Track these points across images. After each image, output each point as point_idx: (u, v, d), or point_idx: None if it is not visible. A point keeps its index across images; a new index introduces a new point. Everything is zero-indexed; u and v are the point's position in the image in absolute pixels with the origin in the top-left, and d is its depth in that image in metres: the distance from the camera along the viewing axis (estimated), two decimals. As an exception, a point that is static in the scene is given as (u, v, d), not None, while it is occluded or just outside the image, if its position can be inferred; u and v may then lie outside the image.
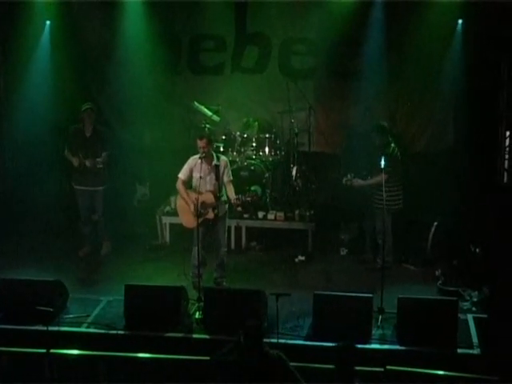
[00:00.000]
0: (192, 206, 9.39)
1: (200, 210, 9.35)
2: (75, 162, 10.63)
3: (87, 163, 10.55)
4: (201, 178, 9.34)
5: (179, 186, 9.61)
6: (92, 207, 10.96)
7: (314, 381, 7.73)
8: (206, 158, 9.44)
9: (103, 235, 11.10)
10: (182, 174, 9.61)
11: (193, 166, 9.56)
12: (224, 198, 9.60)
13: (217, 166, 9.53)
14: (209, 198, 9.45)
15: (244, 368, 7.06)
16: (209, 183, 9.51)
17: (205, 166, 9.43)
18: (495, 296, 9.17)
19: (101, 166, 10.62)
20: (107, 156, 10.71)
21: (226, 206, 9.69)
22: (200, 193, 9.37)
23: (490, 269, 9.67)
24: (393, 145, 10.31)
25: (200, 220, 9.37)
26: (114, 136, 11.80)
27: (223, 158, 9.78)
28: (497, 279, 9.36)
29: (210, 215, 9.49)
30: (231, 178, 9.69)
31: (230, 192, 9.60)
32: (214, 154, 9.64)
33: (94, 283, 10.10)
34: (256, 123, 11.84)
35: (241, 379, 7.03)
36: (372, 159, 10.05)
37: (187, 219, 9.63)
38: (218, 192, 9.52)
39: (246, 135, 11.62)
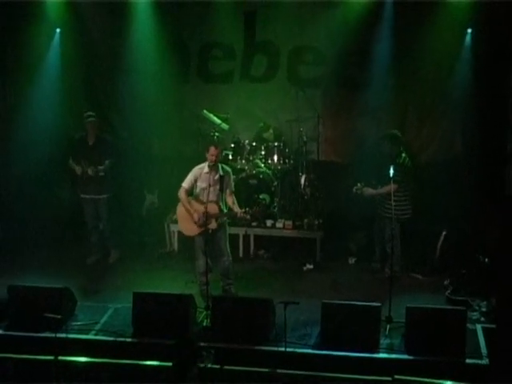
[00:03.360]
0: (196, 216, 9.41)
1: (203, 220, 9.36)
2: (78, 170, 10.68)
3: (89, 171, 10.58)
4: (209, 186, 9.35)
5: (182, 194, 9.57)
6: (97, 215, 10.98)
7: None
8: (213, 167, 9.46)
9: (110, 243, 11.12)
10: (186, 183, 9.58)
11: (198, 176, 9.54)
12: (224, 208, 9.60)
13: (222, 177, 9.51)
14: (213, 208, 9.42)
15: None
16: (212, 193, 9.48)
17: (212, 175, 9.45)
18: (502, 306, 9.14)
19: (102, 173, 10.63)
20: (110, 164, 10.70)
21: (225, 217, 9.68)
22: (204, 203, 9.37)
23: (498, 279, 9.65)
24: (404, 154, 10.29)
25: (202, 229, 9.39)
26: (121, 144, 11.87)
27: (227, 168, 9.77)
28: (504, 289, 9.33)
29: (213, 225, 9.46)
30: (233, 189, 9.72)
31: (234, 204, 9.61)
32: (219, 165, 9.63)
33: (102, 291, 10.11)
34: (271, 129, 11.88)
35: None
36: (382, 168, 10.03)
37: (187, 227, 9.64)
38: (221, 202, 9.53)
39: (255, 143, 11.63)
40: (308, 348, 8.54)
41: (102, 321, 9.15)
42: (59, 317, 7.91)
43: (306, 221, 11.31)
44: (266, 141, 11.73)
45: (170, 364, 7.92)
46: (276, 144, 11.59)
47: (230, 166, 10.05)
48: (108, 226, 10.99)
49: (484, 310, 9.33)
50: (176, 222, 11.24)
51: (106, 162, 10.67)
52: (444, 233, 10.61)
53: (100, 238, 11.13)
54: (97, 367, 8.37)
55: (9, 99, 12.40)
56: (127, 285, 10.06)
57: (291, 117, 11.87)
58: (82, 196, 10.92)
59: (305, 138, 11.70)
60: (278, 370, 7.93)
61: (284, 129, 12.03)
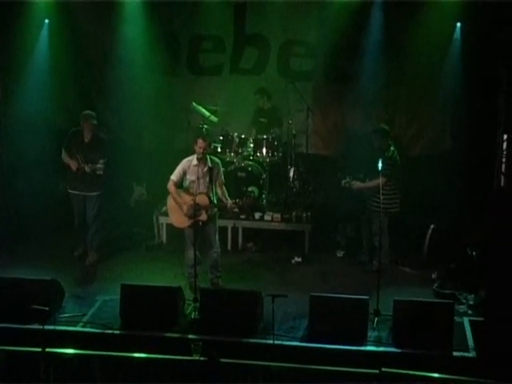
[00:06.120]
0: (185, 207, 9.42)
1: (192, 212, 9.34)
2: (73, 165, 10.34)
3: (86, 169, 10.26)
4: (198, 179, 9.36)
5: (171, 187, 9.57)
6: (85, 212, 10.67)
7: (310, 382, 7.79)
8: (202, 159, 9.44)
9: (90, 244, 10.78)
10: (175, 176, 9.56)
11: (186, 168, 9.54)
12: (214, 200, 9.60)
13: (211, 169, 9.50)
14: (202, 199, 9.42)
15: None
16: (202, 185, 9.49)
17: (200, 167, 9.44)
18: (491, 299, 9.18)
19: (100, 172, 10.32)
20: (104, 164, 10.39)
21: (215, 208, 9.67)
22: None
23: (486, 272, 9.68)
24: (392, 148, 10.30)
25: (192, 221, 9.38)
26: (111, 136, 11.80)
27: (216, 160, 9.76)
28: (493, 282, 9.37)
29: (203, 217, 9.47)
30: (224, 180, 9.72)
31: (224, 194, 9.63)
32: (208, 156, 9.62)
33: (90, 282, 10.07)
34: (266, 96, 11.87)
35: None
36: (371, 162, 10.03)
37: (178, 219, 9.65)
38: (210, 194, 9.52)
39: (243, 136, 11.62)
40: (296, 341, 8.54)
41: (90, 313, 9.13)
42: (47, 309, 7.87)
43: (294, 214, 11.31)
44: (263, 109, 11.75)
45: (157, 356, 7.98)
46: (265, 137, 11.58)
47: (219, 159, 10.02)
48: (94, 224, 10.68)
49: (471, 303, 9.37)
50: (165, 214, 11.24)
51: (101, 160, 10.36)
52: (432, 226, 10.64)
53: (87, 233, 11.00)
54: (84, 359, 8.34)
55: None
56: (115, 277, 10.04)
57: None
58: (71, 191, 10.63)
59: (294, 131, 11.70)
60: (266, 363, 7.93)
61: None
